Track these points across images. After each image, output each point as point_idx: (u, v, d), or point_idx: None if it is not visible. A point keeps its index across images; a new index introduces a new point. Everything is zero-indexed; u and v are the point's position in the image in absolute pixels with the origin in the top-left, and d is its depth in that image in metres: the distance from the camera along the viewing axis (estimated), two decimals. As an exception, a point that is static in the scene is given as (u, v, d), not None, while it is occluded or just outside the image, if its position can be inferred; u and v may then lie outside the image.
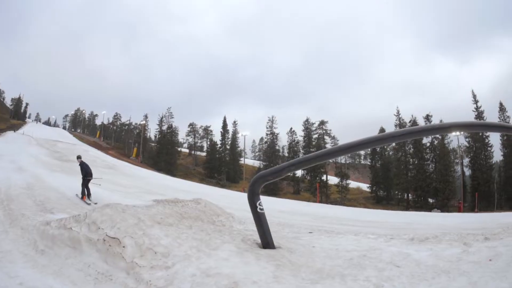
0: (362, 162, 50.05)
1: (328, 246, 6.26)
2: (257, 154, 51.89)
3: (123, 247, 4.81)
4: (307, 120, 47.56)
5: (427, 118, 42.61)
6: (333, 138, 46.33)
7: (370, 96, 67.43)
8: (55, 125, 62.60)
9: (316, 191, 44.86)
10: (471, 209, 39.68)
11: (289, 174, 7.03)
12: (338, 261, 5.26)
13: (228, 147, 50.69)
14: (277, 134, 49.08)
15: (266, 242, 5.41)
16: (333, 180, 46.21)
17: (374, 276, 4.74)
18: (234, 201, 16.29)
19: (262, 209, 5.46)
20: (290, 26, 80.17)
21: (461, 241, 6.67)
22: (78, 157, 12.93)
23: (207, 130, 52.97)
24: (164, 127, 52.22)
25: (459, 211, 38.12)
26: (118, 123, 58.78)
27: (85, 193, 11.88)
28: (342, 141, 47.36)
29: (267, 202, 23.32)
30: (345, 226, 11.58)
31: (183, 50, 77.88)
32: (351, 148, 5.73)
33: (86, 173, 12.20)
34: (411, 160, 43.45)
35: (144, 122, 53.27)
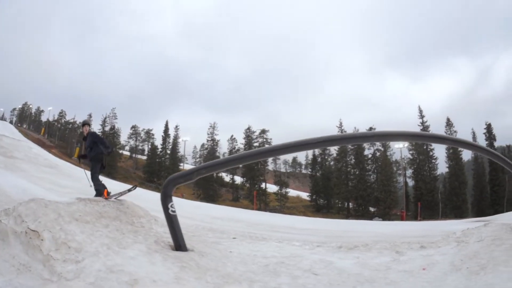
0: (303, 171, 46.66)
1: (246, 252, 6.04)
2: (197, 160, 48.13)
3: (42, 240, 4.75)
4: (248, 128, 44.77)
5: (370, 129, 39.95)
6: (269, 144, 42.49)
7: (319, 107, 65.63)
8: (3, 118, 57.32)
9: (254, 199, 41.64)
10: (414, 217, 39.04)
11: (200, 176, 5.64)
12: (252, 267, 5.07)
13: (168, 151, 47.34)
14: (218, 140, 45.96)
15: (178, 244, 5.22)
16: (272, 188, 43.51)
17: (286, 284, 4.62)
18: None
19: (174, 211, 5.29)
20: (245, 35, 78.17)
21: (393, 249, 6.46)
22: (85, 124, 7.74)
23: (149, 133, 49.57)
24: (107, 128, 48.51)
25: (401, 219, 37.38)
26: (63, 120, 54.81)
27: (105, 186, 7.42)
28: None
29: (203, 208, 23.58)
30: (277, 233, 11.22)
31: (136, 48, 74.00)
32: (268, 152, 5.82)
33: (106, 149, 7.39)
34: (352, 170, 41.37)
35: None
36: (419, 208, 38.79)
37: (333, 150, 40.75)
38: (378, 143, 39.99)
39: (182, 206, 19.10)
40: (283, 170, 46.85)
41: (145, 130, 49.41)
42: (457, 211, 40.40)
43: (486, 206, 41.34)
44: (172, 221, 5.37)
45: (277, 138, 43.30)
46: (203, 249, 5.80)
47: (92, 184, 7.16)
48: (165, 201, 5.39)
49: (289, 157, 49.63)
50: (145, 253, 4.86)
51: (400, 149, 40.12)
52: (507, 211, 37.03)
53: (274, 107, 64.94)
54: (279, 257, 5.82)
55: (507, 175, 41.81)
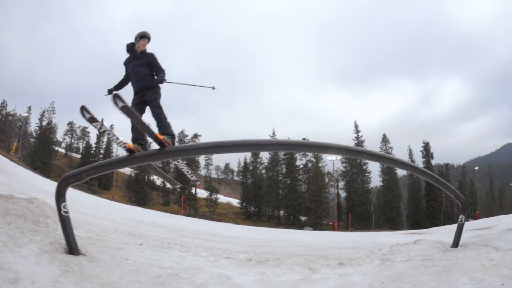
0: (235, 178, 44.23)
1: (144, 260, 5.46)
2: (131, 161, 44.87)
3: None
4: (182, 132, 42.06)
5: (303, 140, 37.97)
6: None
7: (258, 115, 63.82)
8: None
9: (184, 203, 39.47)
10: (346, 228, 38.12)
11: (90, 176, 4.66)
12: (141, 277, 4.62)
13: (102, 151, 44.33)
14: (151, 143, 42.17)
15: (70, 247, 4.76)
16: (203, 193, 40.99)
17: (166, 300, 4.21)
18: (93, 207, 15.49)
19: (66, 212, 4.68)
20: (191, 36, 75.52)
21: (307, 265, 5.73)
22: (145, 37, 4.90)
23: (84, 131, 46.36)
24: (45, 123, 44.95)
25: (333, 229, 36.11)
26: (4, 112, 50.30)
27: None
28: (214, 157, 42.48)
29: (130, 211, 20.00)
30: (198, 240, 10.54)
31: (87, 41, 69.87)
32: (159, 155, 4.60)
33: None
34: (283, 179, 39.50)
35: (27, 114, 45.31)
36: (349, 219, 37.57)
37: (265, 158, 38.52)
38: (310, 154, 37.80)
39: (110, 209, 17.33)
40: (214, 176, 44.39)
41: (81, 128, 46.35)
42: (391, 223, 39.56)
43: (421, 219, 40.60)
44: (64, 223, 4.87)
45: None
46: (97, 254, 5.29)
47: (166, 128, 4.64)
48: (58, 201, 4.86)
49: (221, 163, 47.26)
50: (36, 254, 4.64)
51: (333, 161, 37.98)
52: (444, 224, 36.50)
53: (212, 112, 62.58)
54: (176, 268, 5.23)
55: (443, 191, 40.57)
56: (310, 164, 39.05)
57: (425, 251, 5.70)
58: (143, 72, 4.77)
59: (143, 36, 4.88)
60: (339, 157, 37.71)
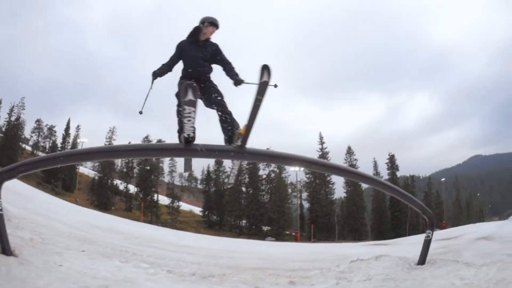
0: (199, 186, 43.06)
1: (79, 269, 5.06)
2: (96, 164, 43.28)
3: None
4: (146, 137, 40.20)
5: (267, 150, 36.66)
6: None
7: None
8: None
9: (145, 210, 37.85)
10: (309, 239, 37.40)
11: (23, 174, 4.13)
12: (69, 286, 4.24)
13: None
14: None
15: (3, 247, 4.48)
16: (166, 200, 39.70)
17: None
18: (52, 209, 14.65)
19: (1, 210, 4.36)
20: (167, 39, 73.77)
21: (254, 284, 5.21)
22: (213, 24, 4.10)
23: (51, 130, 44.52)
24: (14, 118, 42.90)
25: (296, 240, 35.46)
26: None
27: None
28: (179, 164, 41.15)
29: (88, 215, 18.91)
30: (151, 248, 9.64)
31: (64, 36, 67.28)
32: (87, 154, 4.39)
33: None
34: (245, 189, 38.43)
35: (-5, 108, 42.76)
36: (311, 230, 36.69)
37: (228, 167, 37.02)
38: (273, 165, 36.62)
39: (69, 211, 16.61)
40: (178, 183, 43.08)
41: (48, 126, 44.49)
42: (355, 234, 38.71)
43: (386, 230, 40.04)
44: (-3, 221, 4.71)
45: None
46: (31, 257, 4.85)
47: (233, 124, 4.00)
48: (-9, 198, 4.69)
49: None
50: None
51: (296, 172, 36.76)
52: (409, 235, 36.19)
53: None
54: (109, 279, 4.73)
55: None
56: (273, 175, 37.96)
57: (387, 269, 5.08)
58: (205, 65, 4.09)
59: (213, 23, 4.10)
60: (302, 168, 36.76)
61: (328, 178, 38.51)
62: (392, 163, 40.56)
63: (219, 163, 37.99)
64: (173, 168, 40.63)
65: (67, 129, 42.90)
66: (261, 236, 36.25)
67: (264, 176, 38.10)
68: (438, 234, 34.78)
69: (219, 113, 3.93)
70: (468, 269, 4.42)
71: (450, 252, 10.46)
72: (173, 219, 37.90)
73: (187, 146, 3.67)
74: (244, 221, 38.16)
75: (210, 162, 38.50)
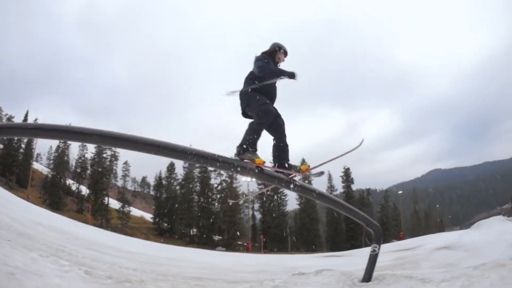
0: (152, 192, 41.26)
1: None
2: (51, 162, 41.23)
3: None
4: None
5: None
6: (116, 159, 36.43)
7: (184, 131, 61.42)
8: None
9: (96, 213, 36.18)
10: (265, 249, 35.97)
11: None
12: None
13: (23, 145, 40.00)
14: (69, 145, 39.28)
15: None
16: (117, 205, 38.01)
17: None
18: (1, 202, 14.22)
19: None
20: (135, 42, 70.93)
21: None
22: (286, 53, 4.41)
23: (10, 120, 41.85)
24: None
25: (247, 251, 34.53)
26: None
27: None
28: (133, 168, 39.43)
29: (36, 213, 18.11)
30: (89, 251, 9.21)
31: (37, 22, 64.08)
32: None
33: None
34: (196, 197, 36.80)
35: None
36: (262, 241, 35.43)
37: (179, 175, 35.49)
38: (225, 174, 35.01)
39: (17, 208, 15.54)
40: (131, 188, 41.32)
41: (7, 116, 42.06)
42: (309, 246, 37.38)
43: (341, 241, 39.23)
44: None
45: (128, 152, 37.39)
46: None
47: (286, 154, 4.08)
48: None
49: (138, 176, 44.01)
50: None
51: (247, 182, 35.01)
52: (365, 246, 35.57)
53: (138, 120, 59.49)
54: (19, 269, 4.45)
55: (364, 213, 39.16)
56: (224, 184, 36.30)
57: (325, 286, 4.42)
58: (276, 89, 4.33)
59: (287, 53, 4.52)
60: (254, 178, 35.23)
61: (281, 190, 37.00)
62: (347, 176, 39.62)
63: (171, 170, 36.21)
64: (126, 173, 38.95)
65: (24, 121, 40.34)
66: (212, 245, 34.90)
67: (216, 185, 36.57)
68: (396, 244, 33.66)
69: (277, 139, 4.01)
70: (424, 286, 3.75)
71: (407, 263, 10.21)
72: (123, 224, 36.39)
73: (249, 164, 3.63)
74: (195, 230, 36.76)
75: (162, 168, 36.73)
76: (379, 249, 4.30)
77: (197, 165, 35.15)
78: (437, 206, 48.93)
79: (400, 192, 43.82)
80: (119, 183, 39.15)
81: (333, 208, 4.23)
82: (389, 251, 22.01)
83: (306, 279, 5.08)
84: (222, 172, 35.12)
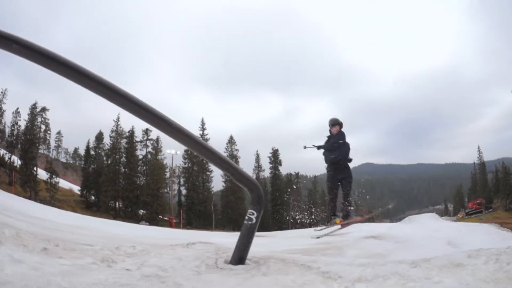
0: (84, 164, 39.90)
1: None
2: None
3: None
4: (34, 104, 36.29)
5: (146, 131, 35.67)
6: (48, 127, 35.45)
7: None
8: None
9: (25, 184, 34.34)
10: (189, 225, 34.83)
11: None
12: None
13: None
14: (4, 111, 36.86)
15: None
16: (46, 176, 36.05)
17: None
18: None
19: None
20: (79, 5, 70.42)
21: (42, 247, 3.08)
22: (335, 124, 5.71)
23: None
24: None
25: (170, 226, 33.08)
26: None
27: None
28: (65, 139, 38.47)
29: None
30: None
31: None
32: None
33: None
34: (122, 169, 35.18)
35: None
36: (181, 216, 34.96)
37: (107, 144, 34.54)
38: (150, 146, 34.42)
39: None
40: (63, 160, 40.04)
41: None
42: (234, 224, 36.40)
43: (267, 223, 37.98)
44: None
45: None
46: None
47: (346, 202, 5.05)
48: None
49: (71, 147, 42.46)
50: None
51: (172, 155, 34.49)
52: (292, 228, 34.79)
53: (79, 92, 58.25)
54: None
55: (292, 196, 38.69)
56: (150, 156, 35.37)
57: (178, 260, 2.71)
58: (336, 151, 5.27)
59: (335, 124, 5.61)
60: (178, 151, 34.77)
61: (207, 166, 36.54)
62: (275, 157, 39.14)
63: (99, 139, 34.92)
64: (59, 143, 37.76)
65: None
66: (137, 219, 33.60)
67: (141, 157, 35.46)
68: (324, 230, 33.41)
69: (343, 193, 4.75)
70: (324, 285, 2.31)
71: (330, 249, 9.10)
72: (51, 196, 34.84)
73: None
74: (120, 204, 35.38)
75: (91, 138, 35.49)
76: (258, 218, 2.86)
77: (124, 136, 34.68)
78: (368, 197, 48.74)
79: (329, 179, 43.46)
80: (52, 154, 37.88)
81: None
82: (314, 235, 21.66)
83: (168, 250, 3.94)
84: (148, 143, 34.60)
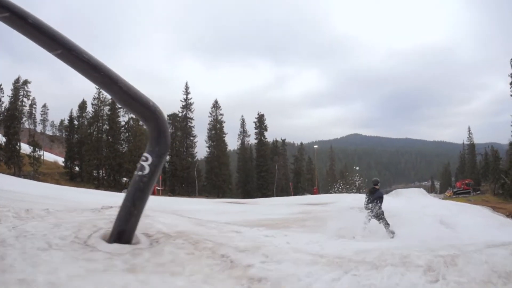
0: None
1: None
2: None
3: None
4: (17, 79, 34.52)
5: None
6: (33, 101, 34.29)
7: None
8: None
9: (9, 161, 32.49)
10: (172, 192, 33.17)
11: None
12: None
13: None
14: None
15: None
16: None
17: None
18: None
19: None
20: None
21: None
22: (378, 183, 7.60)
23: None
24: None
25: (153, 193, 29.19)
26: None
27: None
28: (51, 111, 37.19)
29: None
30: None
31: None
32: None
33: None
34: (105, 137, 33.66)
35: None
36: (160, 181, 32.55)
37: (90, 113, 33.20)
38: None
39: None
40: (49, 133, 38.44)
41: None
42: (218, 190, 35.04)
43: (252, 189, 36.82)
44: None
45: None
46: None
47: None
48: None
49: (57, 119, 40.86)
50: None
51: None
52: (277, 196, 32.98)
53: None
54: None
55: (277, 163, 37.12)
56: (132, 122, 33.59)
57: (53, 230, 2.05)
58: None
59: (377, 183, 7.51)
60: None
61: (190, 130, 35.21)
62: (260, 123, 37.48)
63: (82, 108, 33.46)
64: (45, 116, 36.29)
65: None
66: (119, 188, 31.51)
67: (124, 123, 33.85)
68: (308, 198, 31.29)
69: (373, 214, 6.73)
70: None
71: (312, 219, 9.48)
72: (35, 170, 33.14)
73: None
74: (103, 173, 33.85)
75: (73, 107, 34.07)
76: (156, 167, 1.84)
77: (107, 103, 33.31)
78: (355, 167, 47.09)
79: (316, 146, 41.88)
80: (38, 128, 36.40)
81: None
82: (296, 204, 20.14)
83: (75, 215, 3.32)
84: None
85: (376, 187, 7.23)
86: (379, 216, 6.72)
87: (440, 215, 11.78)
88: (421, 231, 7.21)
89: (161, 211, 3.28)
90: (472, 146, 40.55)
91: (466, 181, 36.01)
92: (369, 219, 6.69)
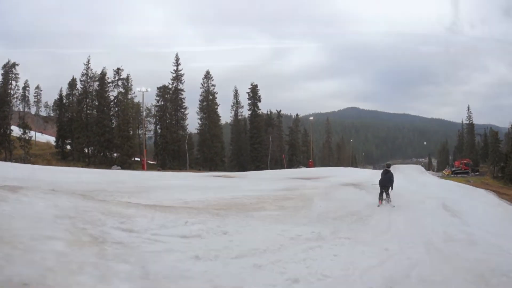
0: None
1: None
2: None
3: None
4: (7, 63, 32.56)
5: (118, 71, 32.46)
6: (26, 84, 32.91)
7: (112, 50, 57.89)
8: None
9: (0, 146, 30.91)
10: (162, 166, 31.14)
11: None
12: None
13: None
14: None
15: None
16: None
17: None
18: None
19: None
20: None
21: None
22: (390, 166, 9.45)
23: None
24: None
25: (142, 168, 29.20)
26: None
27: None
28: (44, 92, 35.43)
29: None
30: None
31: None
32: None
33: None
34: (94, 112, 31.85)
35: None
36: (144, 155, 30.73)
37: (80, 89, 31.39)
38: (121, 86, 31.20)
39: None
40: (44, 114, 36.63)
41: None
42: (211, 164, 32.89)
43: (246, 162, 34.73)
44: None
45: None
46: None
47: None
48: None
49: (50, 100, 39.05)
50: None
51: (142, 92, 31.02)
52: (271, 169, 31.56)
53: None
54: None
55: (271, 135, 34.82)
56: (121, 96, 31.75)
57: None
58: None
59: (390, 166, 9.14)
60: (149, 88, 31.56)
61: (180, 102, 33.15)
62: (254, 93, 35.23)
63: (72, 86, 31.60)
64: (38, 98, 34.59)
65: None
66: (109, 164, 30.14)
67: (113, 98, 31.85)
68: (301, 171, 28.95)
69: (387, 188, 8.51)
70: None
71: (297, 198, 8.34)
72: (26, 152, 31.26)
73: None
74: (92, 149, 31.73)
75: (63, 86, 32.32)
76: None
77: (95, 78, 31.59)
78: (351, 140, 44.37)
79: (311, 118, 39.29)
80: (32, 110, 34.70)
81: None
82: (286, 178, 17.87)
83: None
84: (119, 83, 31.36)
85: (389, 169, 8.76)
86: (388, 191, 8.41)
87: (442, 198, 10.55)
88: (424, 222, 6.42)
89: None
90: (471, 126, 38.20)
91: (465, 161, 33.89)
92: (385, 193, 8.32)
